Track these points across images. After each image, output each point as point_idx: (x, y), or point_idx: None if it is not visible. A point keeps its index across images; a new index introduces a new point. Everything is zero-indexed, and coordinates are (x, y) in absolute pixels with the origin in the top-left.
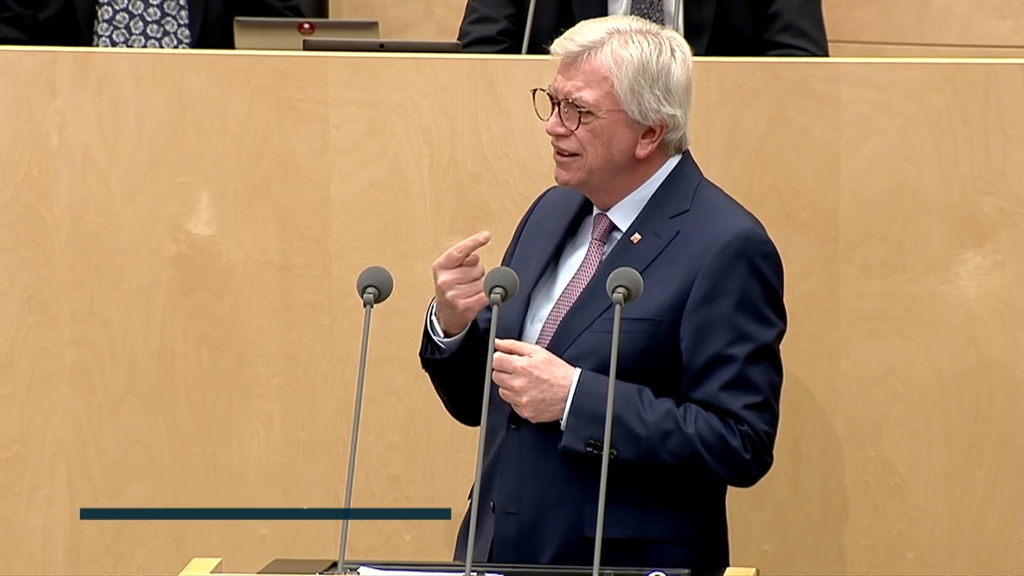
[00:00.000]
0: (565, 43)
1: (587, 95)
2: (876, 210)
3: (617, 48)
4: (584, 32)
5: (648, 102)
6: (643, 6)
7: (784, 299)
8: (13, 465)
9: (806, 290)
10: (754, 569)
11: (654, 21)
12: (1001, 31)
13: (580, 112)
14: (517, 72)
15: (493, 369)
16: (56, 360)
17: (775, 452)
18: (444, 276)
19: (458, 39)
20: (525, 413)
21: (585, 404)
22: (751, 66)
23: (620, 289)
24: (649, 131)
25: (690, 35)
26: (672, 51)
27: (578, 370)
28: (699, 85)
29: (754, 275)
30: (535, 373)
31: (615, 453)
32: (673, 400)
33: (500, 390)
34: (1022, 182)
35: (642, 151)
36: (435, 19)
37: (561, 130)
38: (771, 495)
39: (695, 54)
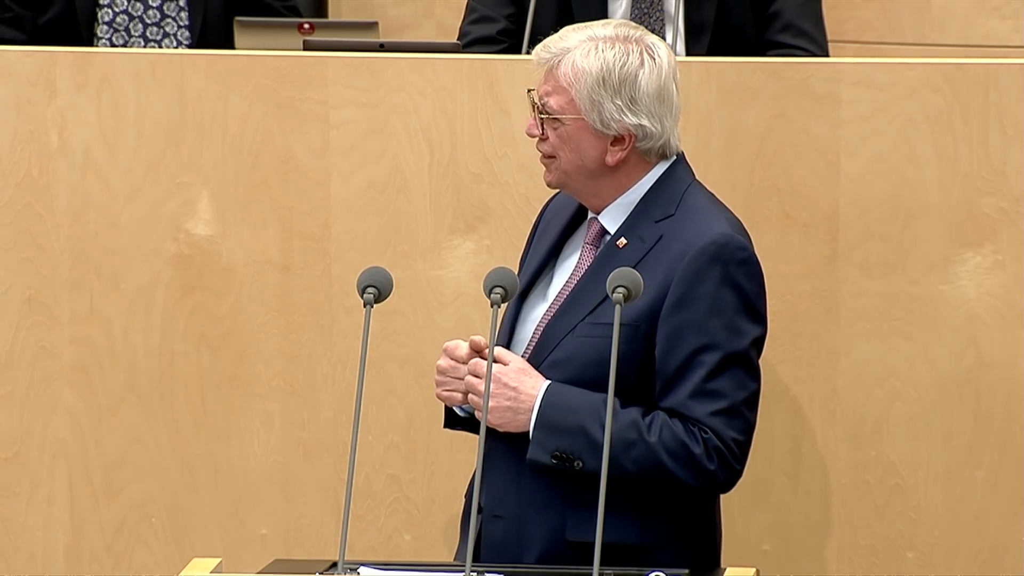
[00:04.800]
0: (539, 50)
1: (552, 102)
2: (876, 210)
3: (579, 59)
4: (560, 39)
5: (609, 112)
6: (643, 6)
7: (784, 300)
8: (13, 465)
9: (806, 290)
10: (754, 569)
11: (654, 21)
12: (1001, 31)
13: (550, 117)
14: (517, 72)
15: (468, 373)
16: (56, 360)
17: (777, 452)
18: (441, 362)
19: (458, 39)
20: (491, 420)
21: (551, 416)
22: (751, 66)
23: (620, 289)
24: (618, 139)
25: (691, 35)
26: (643, 61)
27: (547, 382)
28: (699, 85)
29: (728, 282)
30: (503, 380)
31: (581, 464)
32: (641, 409)
33: (470, 395)
34: (1022, 182)
35: (611, 159)
36: (435, 19)
37: (536, 132)
38: (771, 495)
39: (695, 54)
